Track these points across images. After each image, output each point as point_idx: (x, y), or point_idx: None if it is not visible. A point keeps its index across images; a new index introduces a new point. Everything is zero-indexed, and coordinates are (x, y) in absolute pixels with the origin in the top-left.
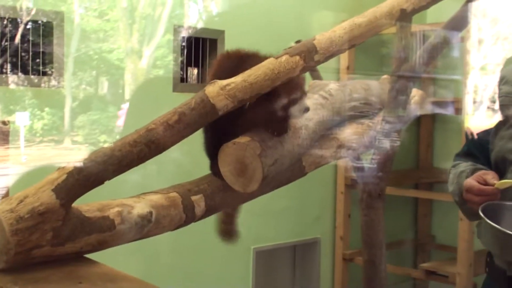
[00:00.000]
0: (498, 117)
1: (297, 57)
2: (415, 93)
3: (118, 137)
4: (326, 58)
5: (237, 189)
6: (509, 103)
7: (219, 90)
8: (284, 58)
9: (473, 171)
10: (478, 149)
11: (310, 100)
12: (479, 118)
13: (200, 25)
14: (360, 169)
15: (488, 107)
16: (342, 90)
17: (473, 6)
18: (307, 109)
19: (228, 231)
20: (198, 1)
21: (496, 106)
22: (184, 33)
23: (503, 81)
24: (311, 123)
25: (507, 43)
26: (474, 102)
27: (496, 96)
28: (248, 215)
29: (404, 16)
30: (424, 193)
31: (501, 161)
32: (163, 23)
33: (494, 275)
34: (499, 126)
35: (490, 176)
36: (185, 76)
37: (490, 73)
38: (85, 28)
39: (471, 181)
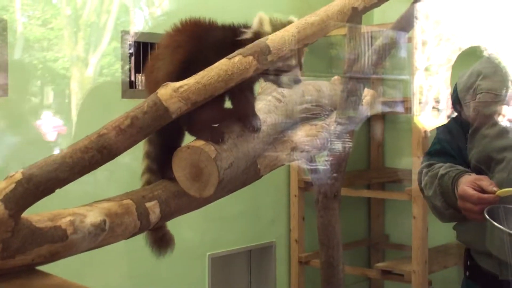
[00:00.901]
0: (444, 116)
1: (251, 58)
2: (367, 93)
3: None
4: (280, 58)
5: (193, 194)
6: (491, 99)
7: (172, 93)
8: (237, 58)
9: (458, 175)
10: (454, 148)
11: (263, 103)
12: (426, 117)
13: (146, 30)
14: (314, 170)
15: (433, 107)
16: (295, 92)
17: (417, 8)
18: (298, 80)
19: (160, 239)
20: (143, 7)
21: (442, 105)
22: (131, 40)
23: (480, 76)
24: (265, 126)
25: (449, 44)
26: (420, 102)
27: (440, 95)
28: (203, 221)
29: (355, 15)
30: (376, 192)
31: (485, 160)
32: (109, 30)
33: (479, 279)
34: (479, 124)
35: (486, 182)
36: (134, 82)
37: (434, 74)
38: (29, 37)
39: (467, 189)
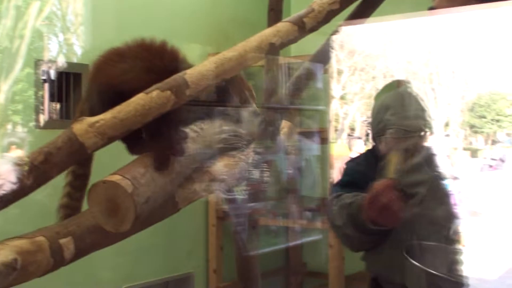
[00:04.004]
0: (359, 145)
1: (169, 92)
2: (284, 125)
3: None
4: (198, 92)
5: (109, 229)
6: (401, 135)
7: (88, 128)
8: (155, 93)
9: (363, 199)
10: (363, 180)
11: None
12: (341, 146)
13: (61, 58)
14: (232, 201)
15: (348, 135)
16: (212, 123)
17: (332, 39)
18: (257, 113)
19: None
20: (58, 34)
21: (357, 133)
22: (46, 67)
23: (388, 111)
24: (183, 158)
25: (363, 73)
26: (336, 130)
27: (356, 123)
28: (117, 253)
29: (272, 50)
30: (294, 221)
31: None
32: (22, 56)
33: None
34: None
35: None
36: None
37: (349, 103)
38: None
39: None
